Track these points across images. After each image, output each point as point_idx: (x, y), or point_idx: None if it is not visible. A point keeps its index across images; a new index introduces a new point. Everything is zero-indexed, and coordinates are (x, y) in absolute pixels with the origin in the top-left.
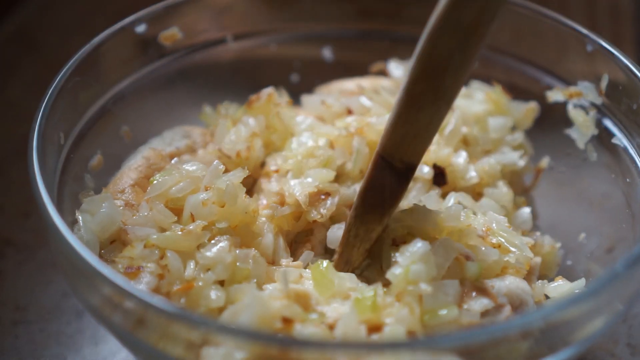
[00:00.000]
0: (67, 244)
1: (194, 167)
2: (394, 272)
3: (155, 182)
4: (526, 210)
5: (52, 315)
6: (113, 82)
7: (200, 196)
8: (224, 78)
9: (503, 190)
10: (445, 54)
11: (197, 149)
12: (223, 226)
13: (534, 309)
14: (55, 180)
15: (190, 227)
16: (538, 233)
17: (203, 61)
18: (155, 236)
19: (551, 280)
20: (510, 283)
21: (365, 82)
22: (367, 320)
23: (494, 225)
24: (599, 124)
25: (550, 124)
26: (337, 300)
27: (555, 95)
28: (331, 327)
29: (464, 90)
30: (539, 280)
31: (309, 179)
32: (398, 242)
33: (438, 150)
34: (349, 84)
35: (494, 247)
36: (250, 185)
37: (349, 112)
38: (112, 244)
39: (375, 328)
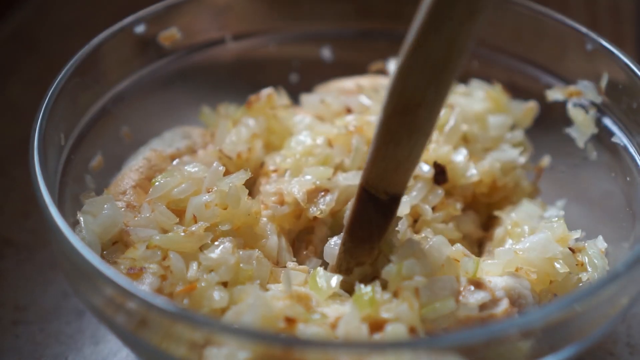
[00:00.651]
0: (69, 245)
1: (196, 169)
2: (388, 270)
3: (157, 183)
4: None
5: (52, 315)
6: (113, 83)
7: (203, 198)
8: (224, 78)
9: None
10: (417, 91)
11: (197, 150)
12: (226, 228)
13: (532, 302)
14: (56, 181)
15: (193, 229)
16: None
17: (203, 61)
18: (157, 237)
19: None
20: (508, 278)
21: (364, 80)
22: (368, 317)
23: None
24: (598, 123)
25: (550, 123)
26: (336, 302)
27: (555, 94)
28: (333, 326)
29: (463, 89)
30: None
31: (307, 177)
32: None
33: (438, 148)
34: (348, 82)
35: None
36: (250, 185)
37: (348, 111)
38: (114, 245)
39: (376, 327)
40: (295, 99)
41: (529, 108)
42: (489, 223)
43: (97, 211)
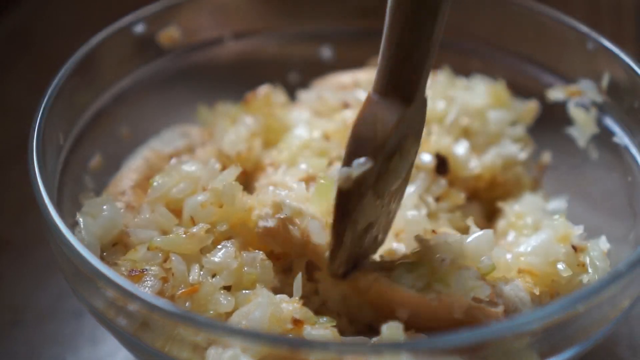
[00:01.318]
0: (71, 248)
1: (193, 168)
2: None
3: (155, 184)
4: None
5: (49, 316)
6: (111, 82)
7: (199, 198)
8: (223, 77)
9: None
10: None
11: (195, 149)
12: (224, 229)
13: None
14: (55, 181)
15: (194, 230)
16: None
17: (202, 60)
18: (159, 239)
19: None
20: (512, 289)
21: (361, 74)
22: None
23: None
24: (599, 123)
25: (550, 123)
26: None
27: (556, 93)
28: None
29: (465, 82)
30: None
31: (302, 167)
32: None
33: (439, 140)
34: (345, 77)
35: None
36: (249, 184)
37: (346, 106)
38: (113, 247)
39: None
40: (294, 98)
41: (530, 107)
42: (491, 214)
43: (96, 212)
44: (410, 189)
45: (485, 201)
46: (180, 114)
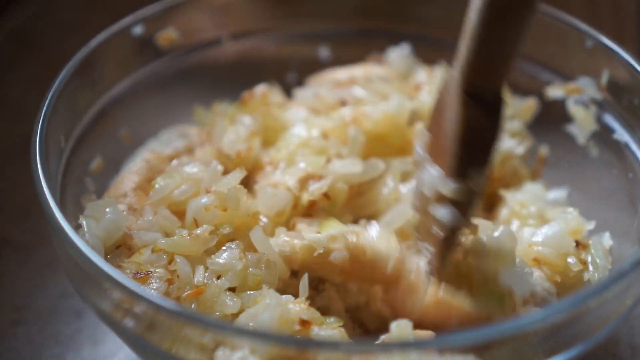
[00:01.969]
0: (78, 250)
1: (195, 169)
2: None
3: (157, 185)
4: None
5: (51, 316)
6: (111, 84)
7: (202, 200)
8: (222, 78)
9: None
10: None
11: (194, 149)
12: (227, 232)
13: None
14: (57, 184)
15: (198, 232)
16: None
17: (201, 61)
18: (163, 241)
19: None
20: (535, 280)
21: (357, 70)
22: None
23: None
24: (599, 120)
25: (550, 121)
26: None
27: (555, 91)
28: None
29: None
30: None
31: (300, 165)
32: None
33: None
34: (341, 73)
35: None
36: (248, 183)
37: (343, 103)
38: (117, 249)
39: None
40: (292, 97)
41: (529, 105)
42: (489, 205)
43: (99, 215)
44: (409, 184)
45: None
46: (180, 115)
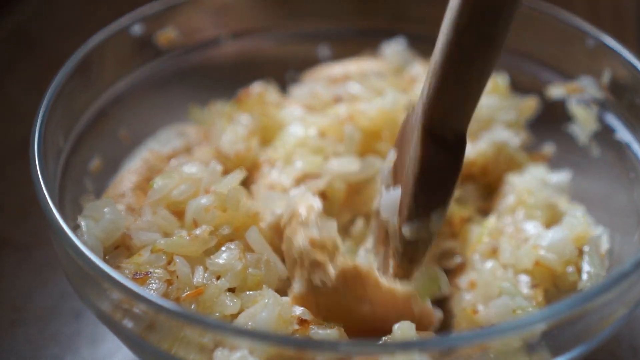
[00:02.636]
0: (77, 251)
1: (194, 169)
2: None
3: (155, 185)
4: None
5: (50, 316)
6: (110, 84)
7: (202, 201)
8: (221, 77)
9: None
10: None
11: (192, 148)
12: (227, 232)
13: None
14: (56, 184)
15: (197, 232)
16: None
17: (200, 61)
18: (162, 241)
19: None
20: None
21: (352, 66)
22: None
23: None
24: (600, 120)
25: (551, 120)
26: None
27: (556, 90)
28: None
29: None
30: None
31: (297, 165)
32: None
33: None
34: (336, 68)
35: None
36: (247, 183)
37: (338, 100)
38: (116, 250)
39: None
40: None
41: (529, 104)
42: (487, 194)
43: (98, 215)
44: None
45: (482, 182)
46: (178, 115)
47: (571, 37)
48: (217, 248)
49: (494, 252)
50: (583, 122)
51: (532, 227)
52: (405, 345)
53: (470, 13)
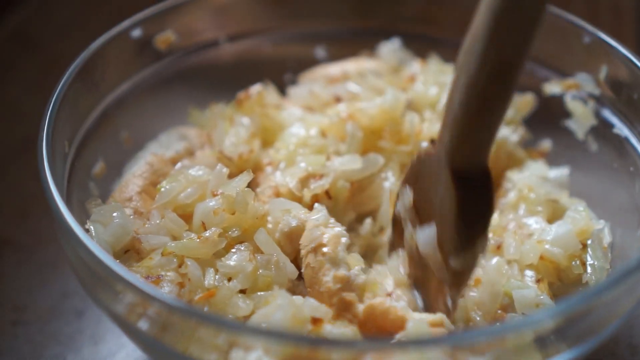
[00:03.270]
0: (93, 256)
1: (200, 172)
2: None
3: (162, 189)
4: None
5: (51, 316)
6: (111, 87)
7: (210, 204)
8: (221, 79)
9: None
10: (515, 50)
11: (195, 151)
12: (236, 234)
13: None
14: (63, 190)
15: (207, 235)
16: None
17: (199, 63)
18: (173, 244)
19: None
20: None
21: (350, 65)
22: None
23: None
24: (598, 115)
25: (548, 117)
26: None
27: (553, 87)
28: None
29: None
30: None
31: (301, 165)
32: None
33: (431, 126)
34: (334, 68)
35: None
36: (250, 185)
37: (338, 99)
38: (125, 254)
39: None
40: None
41: (526, 100)
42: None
43: (106, 220)
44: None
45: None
46: (180, 117)
47: (567, 33)
48: (226, 250)
49: (497, 249)
50: (580, 118)
51: (534, 223)
52: (420, 343)
53: (491, 68)
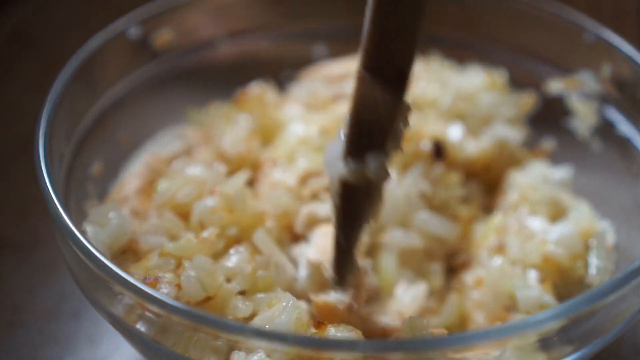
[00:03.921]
0: (92, 257)
1: (197, 171)
2: None
3: (159, 188)
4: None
5: (49, 316)
6: (108, 87)
7: (208, 202)
8: (219, 78)
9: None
10: None
11: (192, 150)
12: (233, 233)
13: None
14: (61, 190)
15: (205, 235)
16: None
17: (197, 62)
18: (170, 245)
19: None
20: None
21: (350, 63)
22: None
23: None
24: (601, 114)
25: (551, 115)
26: None
27: (556, 85)
28: None
29: (460, 69)
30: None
31: (300, 164)
32: None
33: (433, 125)
34: (334, 67)
35: None
36: (250, 183)
37: (337, 98)
38: (123, 254)
39: None
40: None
41: (528, 99)
42: (490, 189)
43: (104, 220)
44: (408, 179)
45: (484, 179)
46: (177, 117)
47: (569, 31)
48: (224, 250)
49: (500, 249)
50: (583, 117)
51: (537, 223)
52: (424, 343)
53: None
